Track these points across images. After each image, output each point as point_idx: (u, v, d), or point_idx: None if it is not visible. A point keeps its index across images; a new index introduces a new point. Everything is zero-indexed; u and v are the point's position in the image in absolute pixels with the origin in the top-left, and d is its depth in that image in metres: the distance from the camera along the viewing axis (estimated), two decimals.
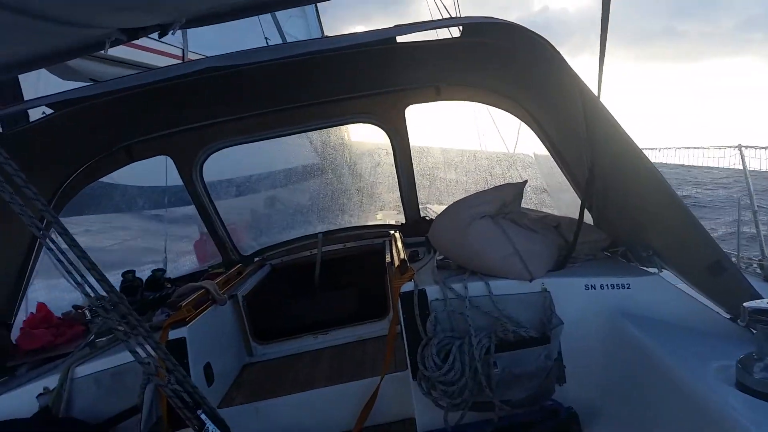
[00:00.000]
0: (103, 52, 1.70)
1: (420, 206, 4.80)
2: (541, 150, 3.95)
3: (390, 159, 4.58)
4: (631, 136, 2.52)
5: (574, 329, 2.73)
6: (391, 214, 6.08)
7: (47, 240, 1.86)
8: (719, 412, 1.77)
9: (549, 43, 2.61)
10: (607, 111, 2.51)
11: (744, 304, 1.94)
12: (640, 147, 2.56)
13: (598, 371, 2.76)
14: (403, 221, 4.81)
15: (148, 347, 2.21)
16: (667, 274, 2.84)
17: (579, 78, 2.58)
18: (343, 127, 6.30)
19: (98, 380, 2.94)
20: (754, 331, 1.99)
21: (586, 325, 2.77)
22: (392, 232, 4.68)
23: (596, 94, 2.49)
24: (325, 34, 12.39)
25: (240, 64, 2.75)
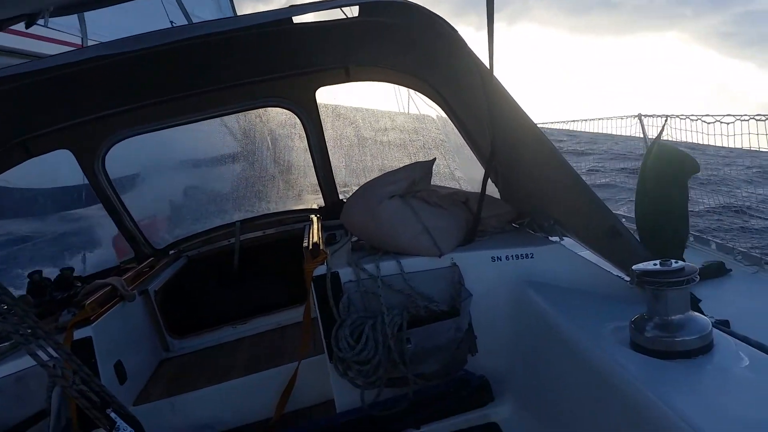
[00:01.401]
0: None
1: (341, 189, 4.79)
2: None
3: (304, 143, 4.53)
4: (524, 110, 2.61)
5: (483, 300, 2.82)
6: (312, 198, 6.05)
7: None
8: (612, 371, 1.86)
9: (445, 21, 2.65)
10: (502, 86, 2.57)
11: (633, 266, 2.04)
12: (545, 121, 2.64)
13: (506, 340, 2.87)
14: (323, 204, 4.80)
15: (50, 349, 2.13)
16: (570, 242, 2.96)
17: (475, 55, 2.64)
18: (253, 112, 6.17)
19: (0, 387, 2.80)
20: None
21: (494, 296, 2.87)
22: (312, 216, 4.65)
23: (489, 70, 2.55)
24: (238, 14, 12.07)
25: (128, 51, 2.63)
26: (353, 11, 2.99)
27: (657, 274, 1.92)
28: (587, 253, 2.88)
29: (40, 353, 2.09)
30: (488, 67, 2.52)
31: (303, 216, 4.85)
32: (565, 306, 2.49)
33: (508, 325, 2.87)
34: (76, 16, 6.18)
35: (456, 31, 2.66)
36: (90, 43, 6.26)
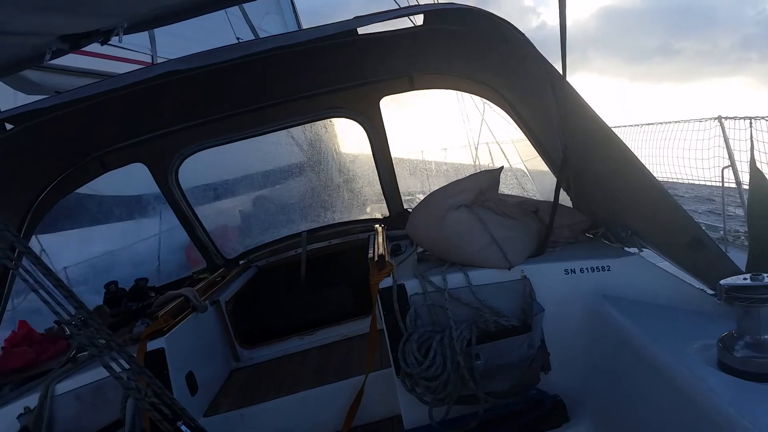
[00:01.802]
0: (50, 61, 1.63)
1: (405, 197, 4.75)
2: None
3: (369, 152, 4.51)
4: (600, 116, 2.48)
5: (557, 315, 2.70)
6: (377, 208, 6.01)
7: (20, 270, 1.85)
8: (700, 393, 1.73)
9: (512, 25, 2.57)
10: (575, 91, 2.46)
11: (720, 281, 1.90)
12: (617, 125, 2.51)
13: (582, 357, 2.73)
14: (387, 214, 4.77)
15: (123, 361, 2.17)
16: (649, 254, 2.79)
17: (545, 59, 2.53)
18: (319, 123, 6.23)
19: (79, 396, 2.89)
20: None
21: (568, 311, 2.74)
22: (376, 225, 4.63)
23: (562, 75, 2.44)
24: (303, 27, 12.24)
25: (198, 66, 2.69)
26: (418, 19, 2.95)
27: (748, 289, 1.78)
28: (668, 266, 2.71)
29: (114, 365, 2.14)
30: (560, 71, 2.41)
31: (367, 226, 4.84)
32: (646, 322, 2.34)
33: (584, 341, 2.72)
34: (147, 35, 6.43)
35: (524, 35, 2.57)
36: (159, 60, 6.47)
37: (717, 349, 1.85)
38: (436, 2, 3.14)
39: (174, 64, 2.67)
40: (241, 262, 4.84)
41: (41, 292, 1.97)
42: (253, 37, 6.53)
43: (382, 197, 4.70)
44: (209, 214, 5.06)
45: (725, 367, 1.79)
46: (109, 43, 2.25)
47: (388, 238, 4.16)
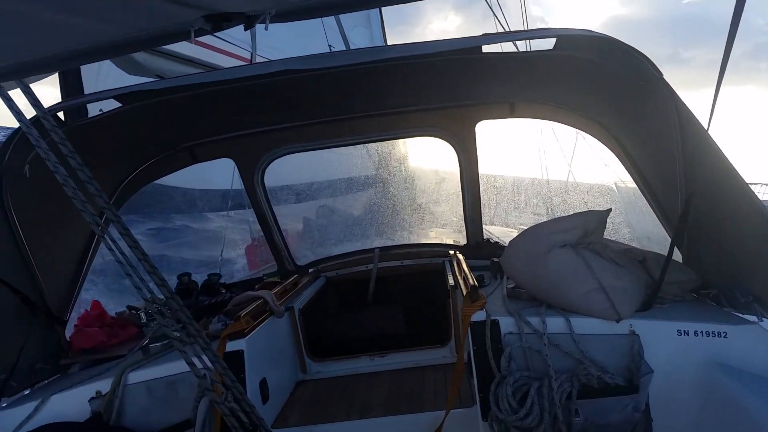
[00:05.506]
0: (189, 41, 1.56)
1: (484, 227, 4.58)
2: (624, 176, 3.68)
3: (455, 176, 4.38)
4: (737, 171, 2.28)
5: (664, 379, 2.49)
6: (450, 233, 5.85)
7: (107, 238, 1.78)
8: None
9: (650, 60, 2.40)
10: (713, 141, 2.28)
11: None
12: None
13: (689, 428, 2.50)
14: (463, 241, 4.60)
15: (205, 359, 2.07)
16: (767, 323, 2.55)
17: (682, 103, 2.37)
18: (409, 140, 6.14)
19: (151, 388, 2.83)
20: None
21: (678, 376, 2.52)
22: (452, 252, 4.47)
23: (705, 124, 2.27)
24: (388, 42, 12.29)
25: (316, 68, 2.62)
26: (537, 43, 2.81)
27: None
28: None
29: (195, 361, 2.03)
30: (702, 122, 2.23)
31: (441, 251, 4.69)
32: None
33: (693, 412, 2.49)
34: (248, 31, 6.50)
35: (660, 73, 2.40)
36: (258, 59, 6.55)
37: None
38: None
39: (291, 63, 2.61)
40: (310, 270, 4.76)
41: (124, 263, 1.87)
42: (344, 46, 6.51)
43: (459, 223, 4.56)
44: (284, 215, 5.00)
45: None
46: (215, 34, 2.19)
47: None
